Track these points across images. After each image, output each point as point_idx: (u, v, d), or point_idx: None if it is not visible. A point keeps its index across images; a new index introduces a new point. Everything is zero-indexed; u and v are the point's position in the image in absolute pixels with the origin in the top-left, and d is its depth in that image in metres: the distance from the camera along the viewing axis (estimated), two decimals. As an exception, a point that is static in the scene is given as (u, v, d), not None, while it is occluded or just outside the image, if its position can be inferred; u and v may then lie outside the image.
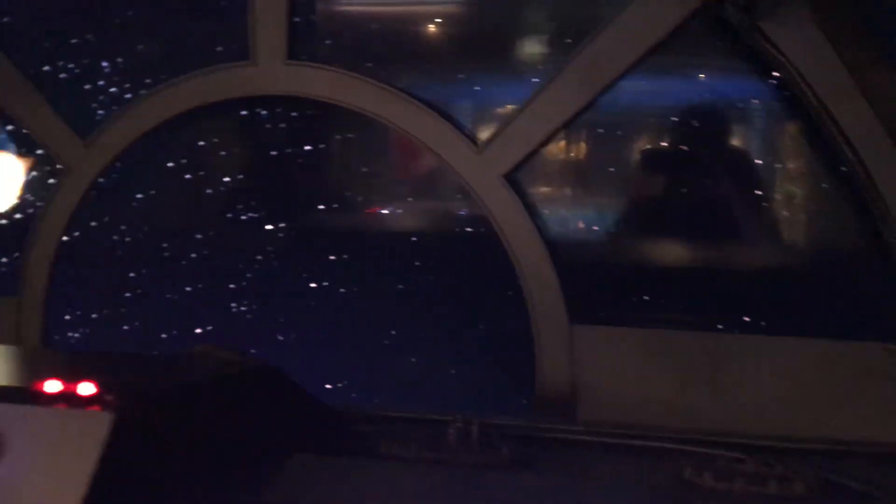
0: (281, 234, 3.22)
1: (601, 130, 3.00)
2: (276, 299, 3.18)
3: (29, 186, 3.40)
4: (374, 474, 1.75)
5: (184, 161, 3.30)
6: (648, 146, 3.07)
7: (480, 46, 3.12)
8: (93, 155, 3.18)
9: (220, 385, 1.77)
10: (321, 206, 3.24)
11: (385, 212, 3.24)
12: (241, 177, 3.30)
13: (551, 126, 2.82)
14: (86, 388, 1.50)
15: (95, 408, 1.45)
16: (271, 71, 3.01)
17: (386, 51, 3.12)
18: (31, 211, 3.39)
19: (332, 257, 3.16)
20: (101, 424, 1.42)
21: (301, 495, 1.66)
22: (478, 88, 3.07)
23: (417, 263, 3.08)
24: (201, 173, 3.32)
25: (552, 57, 3.01)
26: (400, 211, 3.22)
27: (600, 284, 2.94)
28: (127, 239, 3.32)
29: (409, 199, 3.24)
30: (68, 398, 1.49)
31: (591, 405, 2.80)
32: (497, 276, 2.87)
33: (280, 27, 2.98)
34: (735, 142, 3.03)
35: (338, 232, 3.21)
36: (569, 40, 2.88)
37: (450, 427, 2.47)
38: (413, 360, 3.06)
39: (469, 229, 3.05)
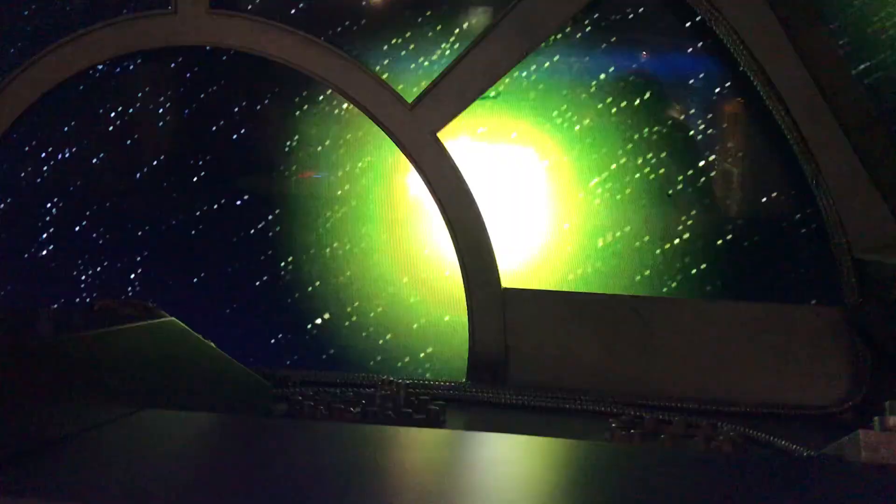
0: (197, 194, 3.09)
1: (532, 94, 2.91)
2: (183, 256, 3.06)
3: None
4: (286, 432, 1.66)
5: (96, 114, 3.13)
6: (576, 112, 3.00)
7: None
8: None
9: (106, 338, 1.64)
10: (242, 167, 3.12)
11: (315, 172, 3.13)
12: (155, 132, 3.15)
13: (483, 84, 2.75)
14: None
15: None
16: (193, 20, 2.86)
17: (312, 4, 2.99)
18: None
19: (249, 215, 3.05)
20: None
21: (206, 454, 1.56)
22: (409, 46, 2.96)
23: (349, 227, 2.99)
24: (112, 127, 3.15)
25: (483, 13, 2.92)
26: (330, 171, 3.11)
27: (532, 248, 2.89)
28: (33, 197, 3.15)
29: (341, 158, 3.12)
30: None
31: (522, 368, 2.76)
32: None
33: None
34: (671, 108, 2.98)
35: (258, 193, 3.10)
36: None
37: (378, 390, 2.41)
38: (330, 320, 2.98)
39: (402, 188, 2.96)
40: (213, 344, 1.94)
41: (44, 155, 3.14)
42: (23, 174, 3.18)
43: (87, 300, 1.89)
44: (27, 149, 3.14)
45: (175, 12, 2.87)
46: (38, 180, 3.16)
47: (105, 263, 3.06)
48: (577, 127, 2.85)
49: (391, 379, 2.56)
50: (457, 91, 2.75)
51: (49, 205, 3.13)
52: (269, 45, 2.85)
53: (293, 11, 2.91)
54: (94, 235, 3.10)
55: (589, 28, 2.79)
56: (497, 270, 2.77)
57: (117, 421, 1.53)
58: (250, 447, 1.54)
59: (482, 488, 1.35)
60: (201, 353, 1.90)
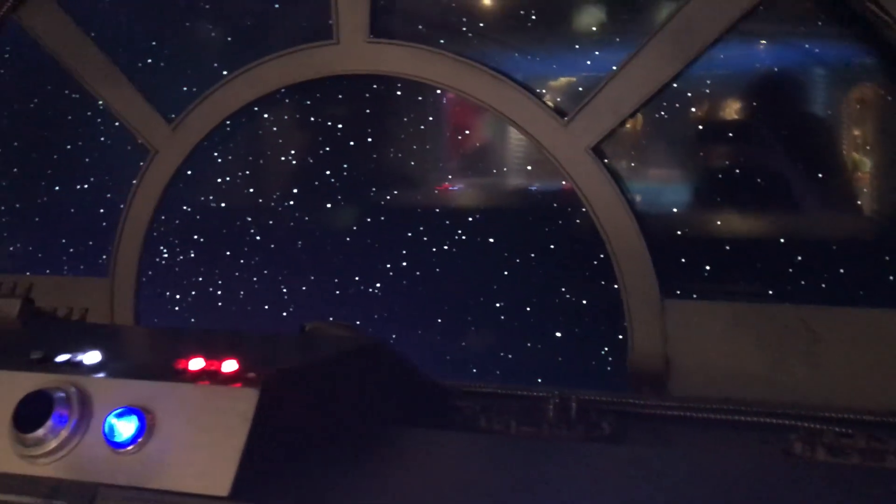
0: (367, 213, 3.23)
1: (690, 100, 2.90)
2: (366, 277, 3.19)
3: (118, 171, 3.47)
4: (476, 448, 1.74)
5: (268, 142, 3.33)
6: (740, 116, 2.96)
7: (562, 17, 3.05)
8: (180, 138, 3.24)
9: (342, 360, 1.78)
10: (407, 185, 3.23)
11: (472, 188, 3.22)
12: (324, 156, 3.31)
13: (639, 97, 2.75)
14: (229, 366, 1.52)
15: (238, 385, 1.47)
16: (354, 49, 3.01)
17: (464, 25, 3.08)
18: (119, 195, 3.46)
19: (417, 234, 3.16)
20: (247, 400, 1.43)
21: (405, 468, 1.65)
22: (562, 60, 3.01)
23: (507, 240, 3.05)
24: (285, 154, 3.34)
25: (640, 26, 2.92)
26: (488, 186, 3.19)
27: (691, 258, 2.86)
28: (213, 220, 3.37)
29: (497, 173, 3.20)
30: (212, 375, 1.51)
31: (683, 380, 2.74)
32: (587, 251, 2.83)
33: (362, 6, 2.98)
34: (830, 110, 2.90)
35: (423, 208, 3.20)
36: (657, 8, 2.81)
37: (549, 402, 2.45)
38: (505, 335, 3.03)
39: (557, 204, 3.00)
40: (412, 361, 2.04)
41: (223, 182, 3.38)
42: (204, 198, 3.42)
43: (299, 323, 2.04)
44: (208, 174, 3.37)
45: (338, 42, 3.03)
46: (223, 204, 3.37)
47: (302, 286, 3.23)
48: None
49: (561, 392, 2.59)
50: (613, 105, 2.77)
51: (226, 230, 3.35)
52: (425, 70, 2.96)
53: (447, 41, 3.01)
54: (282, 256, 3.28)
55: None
56: (656, 282, 2.77)
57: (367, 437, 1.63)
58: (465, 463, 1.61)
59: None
60: (403, 370, 2.00)
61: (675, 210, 2.91)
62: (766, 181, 2.83)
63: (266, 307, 3.22)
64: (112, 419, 1.44)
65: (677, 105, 2.89)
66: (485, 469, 1.59)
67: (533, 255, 3.03)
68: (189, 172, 3.32)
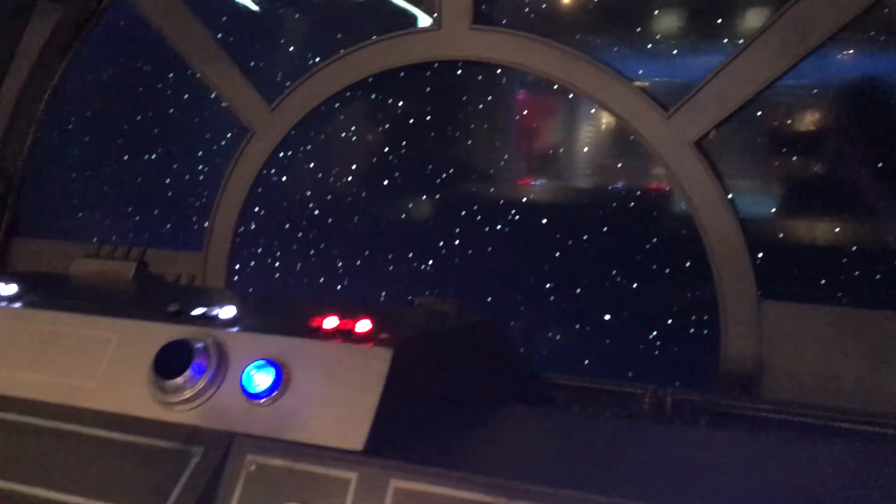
0: (455, 201, 3.25)
1: (799, 100, 2.86)
2: (453, 262, 3.22)
3: (216, 148, 3.55)
4: (576, 428, 1.73)
5: (364, 124, 3.38)
6: (848, 119, 2.90)
7: (670, 9, 3.04)
8: (279, 119, 3.29)
9: (461, 333, 1.80)
10: (496, 175, 3.25)
11: (567, 183, 3.23)
12: (418, 142, 3.34)
13: (746, 92, 2.71)
14: (363, 326, 1.54)
15: (371, 344, 1.49)
16: (457, 35, 3.03)
17: (570, 15, 3.09)
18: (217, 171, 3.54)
19: (507, 225, 3.17)
20: (381, 360, 1.45)
21: (516, 441, 1.66)
22: (672, 53, 2.99)
23: (601, 235, 3.05)
24: (379, 137, 3.39)
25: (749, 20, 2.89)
26: (583, 181, 3.19)
27: (791, 259, 2.81)
28: (306, 200, 3.43)
29: (596, 168, 3.20)
30: (345, 334, 1.54)
31: (777, 382, 2.69)
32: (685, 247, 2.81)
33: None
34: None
35: (515, 200, 3.21)
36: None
37: (644, 397, 2.43)
38: (597, 328, 3.02)
39: (652, 200, 2.99)
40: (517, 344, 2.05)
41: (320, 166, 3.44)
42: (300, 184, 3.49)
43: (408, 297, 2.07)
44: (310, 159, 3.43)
45: (439, 28, 3.05)
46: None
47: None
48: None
49: (657, 387, 2.57)
50: (718, 99, 2.74)
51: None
52: (529, 58, 2.96)
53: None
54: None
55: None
56: (754, 282, 2.72)
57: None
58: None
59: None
60: (508, 350, 2.01)
61: (775, 213, 2.87)
62: (870, 189, 2.77)
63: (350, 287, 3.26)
64: (251, 370, 1.47)
65: (780, 109, 2.85)
66: (586, 446, 1.58)
67: (624, 251, 3.02)
68: (285, 153, 3.38)
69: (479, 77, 3.27)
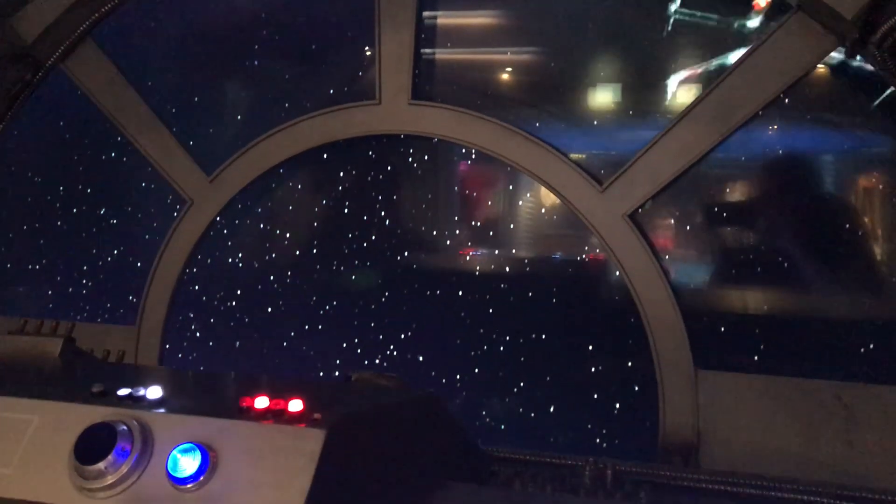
0: (396, 271, 3.25)
1: (726, 175, 2.96)
2: (392, 333, 3.19)
3: (151, 220, 3.49)
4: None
5: (303, 196, 3.37)
6: (775, 193, 3.01)
7: (599, 89, 3.14)
8: (217, 190, 3.28)
9: (400, 410, 1.77)
10: (436, 245, 3.26)
11: (507, 252, 3.25)
12: (354, 213, 3.35)
13: (677, 166, 2.80)
14: (295, 405, 1.50)
15: (304, 425, 1.45)
16: (395, 109, 3.08)
17: (503, 94, 3.17)
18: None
19: (447, 295, 3.17)
20: (313, 441, 1.41)
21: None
22: (598, 130, 3.08)
23: (540, 305, 3.07)
24: (319, 207, 3.38)
25: (674, 100, 3.01)
26: (523, 251, 3.22)
27: (725, 330, 2.87)
28: (242, 271, 3.38)
29: (536, 238, 3.24)
30: (277, 414, 1.50)
31: (714, 452, 2.71)
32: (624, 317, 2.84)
33: (405, 70, 3.06)
34: (865, 191, 2.95)
35: (456, 270, 3.22)
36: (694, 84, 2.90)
37: (584, 470, 2.42)
38: (534, 401, 3.01)
39: (590, 271, 3.03)
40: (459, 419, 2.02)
41: (263, 232, 3.41)
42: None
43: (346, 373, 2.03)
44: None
45: (379, 102, 3.10)
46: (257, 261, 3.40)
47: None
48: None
49: (596, 460, 2.56)
50: (650, 173, 2.82)
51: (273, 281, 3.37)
52: (466, 133, 3.02)
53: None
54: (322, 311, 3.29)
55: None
56: (689, 352, 2.77)
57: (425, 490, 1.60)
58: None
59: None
60: (449, 425, 1.98)
61: (707, 283, 2.94)
62: (802, 260, 2.87)
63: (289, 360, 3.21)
64: (177, 454, 1.42)
65: (710, 182, 2.95)
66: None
67: (563, 321, 3.04)
68: (221, 225, 3.34)
69: (421, 148, 3.31)
